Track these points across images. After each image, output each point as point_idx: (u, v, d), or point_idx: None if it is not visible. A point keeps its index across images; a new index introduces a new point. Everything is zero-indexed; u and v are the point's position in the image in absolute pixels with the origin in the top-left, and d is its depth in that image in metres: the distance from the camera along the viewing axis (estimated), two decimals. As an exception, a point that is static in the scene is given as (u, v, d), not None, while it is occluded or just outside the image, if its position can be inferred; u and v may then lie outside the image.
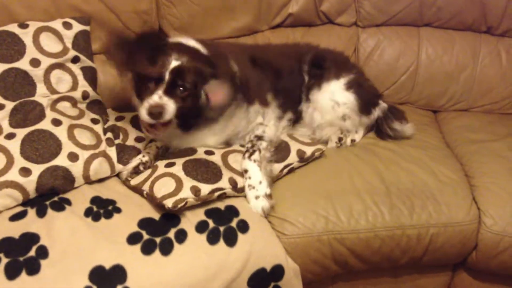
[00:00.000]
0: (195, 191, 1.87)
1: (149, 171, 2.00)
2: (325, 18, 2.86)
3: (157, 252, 1.74)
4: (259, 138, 2.12)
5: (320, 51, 2.50)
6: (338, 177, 2.15)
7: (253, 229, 1.89)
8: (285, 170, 2.14)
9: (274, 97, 2.26)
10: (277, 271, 1.89)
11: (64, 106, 2.14)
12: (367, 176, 2.16)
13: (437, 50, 2.82)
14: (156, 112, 1.86)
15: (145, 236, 1.77)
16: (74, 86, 2.20)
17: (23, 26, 2.18)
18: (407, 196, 2.08)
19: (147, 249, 1.74)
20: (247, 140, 2.13)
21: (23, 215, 1.80)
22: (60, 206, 1.85)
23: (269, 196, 1.98)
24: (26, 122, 2.00)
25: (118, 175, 2.09)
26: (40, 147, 1.92)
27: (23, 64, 2.10)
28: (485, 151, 2.37)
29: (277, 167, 2.12)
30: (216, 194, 1.93)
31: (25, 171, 1.85)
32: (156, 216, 1.86)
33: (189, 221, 1.85)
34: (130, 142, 2.18)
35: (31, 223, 1.77)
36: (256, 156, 2.03)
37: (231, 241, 1.83)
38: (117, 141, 2.14)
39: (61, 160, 1.92)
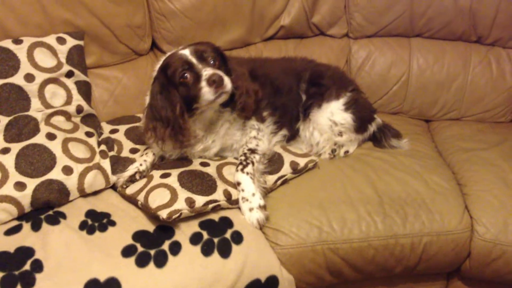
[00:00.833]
0: (190, 202, 1.88)
1: (144, 180, 2.02)
2: (316, 30, 2.90)
3: (151, 265, 1.75)
4: (253, 151, 2.13)
5: (317, 68, 2.51)
6: (331, 187, 2.17)
7: (247, 240, 1.89)
8: (279, 182, 2.16)
9: (270, 113, 2.28)
10: (272, 282, 1.89)
11: (59, 120, 2.16)
12: (360, 186, 2.17)
13: (428, 60, 2.86)
14: (215, 78, 1.88)
15: (140, 249, 1.78)
16: (69, 100, 2.22)
17: (17, 41, 2.20)
18: (400, 205, 2.10)
19: (142, 262, 1.75)
20: (240, 152, 2.14)
21: (18, 229, 1.81)
22: (55, 219, 1.86)
23: (263, 208, 1.99)
24: (21, 137, 2.01)
25: (113, 185, 2.10)
26: (35, 161, 1.94)
27: (17, 79, 2.12)
28: (477, 160, 2.38)
29: (271, 178, 2.13)
30: (211, 206, 1.94)
31: (20, 186, 1.87)
32: (150, 228, 1.87)
33: (183, 233, 1.86)
34: (125, 153, 2.20)
35: (26, 237, 1.78)
36: (249, 168, 2.04)
37: (225, 252, 1.84)
38: (111, 153, 2.15)
39: (56, 174, 1.94)
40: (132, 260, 1.75)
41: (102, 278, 1.68)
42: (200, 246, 1.83)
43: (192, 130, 2.03)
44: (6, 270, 1.65)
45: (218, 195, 1.97)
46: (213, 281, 1.78)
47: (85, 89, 2.32)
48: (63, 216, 1.89)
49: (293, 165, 2.19)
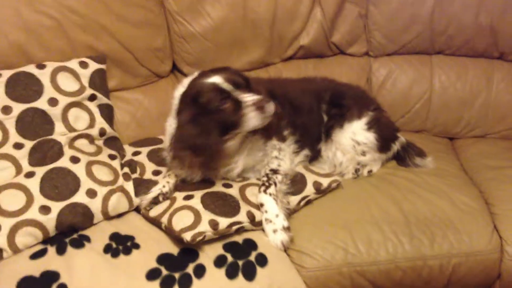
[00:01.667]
0: (214, 224, 1.86)
1: (167, 202, 2.01)
2: (336, 49, 2.89)
3: (176, 288, 1.73)
4: (275, 171, 2.12)
5: (337, 88, 2.50)
6: (356, 207, 2.14)
7: (272, 263, 1.87)
8: (302, 202, 2.14)
9: (291, 133, 2.27)
10: (298, 305, 1.86)
11: (82, 143, 2.18)
12: (385, 206, 2.13)
13: (451, 77, 2.83)
14: (264, 103, 1.89)
15: (164, 272, 1.77)
16: (92, 124, 2.24)
17: (41, 66, 2.23)
18: (427, 225, 2.06)
19: (166, 285, 1.73)
20: (262, 173, 2.13)
21: (43, 253, 1.81)
22: (79, 243, 1.85)
23: (287, 229, 1.97)
24: (45, 161, 2.03)
25: (136, 207, 2.09)
26: (59, 184, 1.94)
27: (41, 103, 2.14)
28: (504, 178, 2.33)
29: (294, 199, 2.11)
30: (234, 228, 1.92)
31: (45, 209, 1.87)
32: (174, 251, 1.86)
33: (207, 256, 1.84)
34: (148, 175, 2.19)
35: (51, 261, 1.77)
36: (271, 189, 2.03)
37: (250, 275, 1.81)
38: (134, 176, 2.16)
39: (80, 197, 1.94)
40: (156, 283, 1.73)
41: (127, 302, 1.67)
42: (225, 269, 1.81)
43: (228, 154, 2.03)
44: (32, 296, 1.65)
45: (242, 217, 1.95)
46: (238, 304, 1.75)
47: (107, 112, 2.34)
48: (88, 239, 1.88)
49: (316, 185, 2.16)
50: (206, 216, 1.89)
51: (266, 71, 2.82)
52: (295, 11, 2.73)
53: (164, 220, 1.93)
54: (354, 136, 2.34)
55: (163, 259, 1.82)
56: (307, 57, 2.89)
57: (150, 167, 2.24)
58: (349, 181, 2.33)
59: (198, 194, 2.00)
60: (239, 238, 1.93)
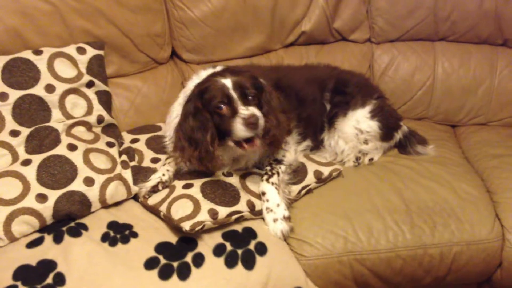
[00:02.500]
0: (213, 214, 1.85)
1: (166, 191, 1.99)
2: (338, 36, 2.86)
3: (174, 277, 1.72)
4: (279, 161, 2.11)
5: (341, 75, 2.47)
6: (356, 196, 2.12)
7: (271, 252, 1.86)
8: (303, 192, 2.12)
9: (296, 125, 2.25)
10: (297, 294, 1.85)
11: (79, 130, 2.15)
12: (386, 194, 2.12)
13: (454, 64, 2.80)
14: (253, 121, 1.85)
15: (162, 261, 1.75)
16: (89, 111, 2.21)
17: (38, 52, 2.19)
18: (428, 214, 2.04)
19: (165, 274, 1.72)
20: (266, 163, 2.11)
21: (40, 241, 1.80)
22: (76, 231, 1.84)
23: (287, 219, 1.96)
24: (42, 148, 2.00)
25: (134, 195, 2.07)
26: (56, 172, 1.92)
27: (38, 90, 2.11)
28: (507, 166, 2.32)
29: (295, 189, 2.10)
30: (234, 217, 1.90)
31: (42, 197, 1.85)
32: (173, 239, 1.84)
33: (206, 245, 1.82)
34: (146, 163, 2.17)
35: (48, 249, 1.76)
36: (274, 179, 2.02)
37: (249, 264, 1.80)
38: (132, 163, 2.13)
39: (77, 185, 1.92)
40: (155, 272, 1.72)
41: (125, 291, 1.65)
42: (224, 258, 1.80)
43: (221, 158, 2.00)
44: (29, 284, 1.63)
45: (242, 206, 1.94)
46: (237, 293, 1.74)
47: (105, 99, 2.31)
48: (85, 228, 1.86)
49: (317, 174, 2.15)
50: (206, 205, 1.87)
51: (267, 57, 2.79)
52: (296, -4, 2.69)
53: (163, 208, 1.91)
54: (358, 124, 2.32)
55: (162, 248, 1.80)
56: (308, 43, 2.85)
57: (148, 154, 2.21)
58: (350, 169, 2.31)
59: (197, 183, 1.98)
60: (238, 227, 1.92)
